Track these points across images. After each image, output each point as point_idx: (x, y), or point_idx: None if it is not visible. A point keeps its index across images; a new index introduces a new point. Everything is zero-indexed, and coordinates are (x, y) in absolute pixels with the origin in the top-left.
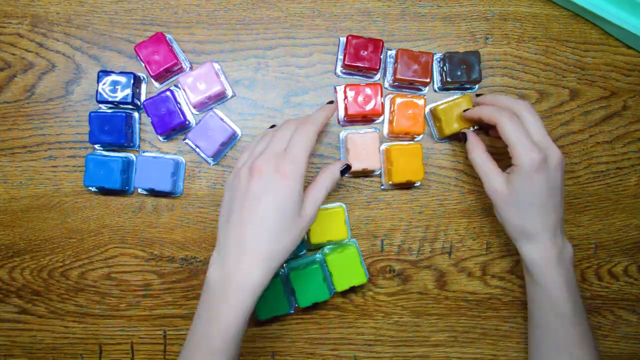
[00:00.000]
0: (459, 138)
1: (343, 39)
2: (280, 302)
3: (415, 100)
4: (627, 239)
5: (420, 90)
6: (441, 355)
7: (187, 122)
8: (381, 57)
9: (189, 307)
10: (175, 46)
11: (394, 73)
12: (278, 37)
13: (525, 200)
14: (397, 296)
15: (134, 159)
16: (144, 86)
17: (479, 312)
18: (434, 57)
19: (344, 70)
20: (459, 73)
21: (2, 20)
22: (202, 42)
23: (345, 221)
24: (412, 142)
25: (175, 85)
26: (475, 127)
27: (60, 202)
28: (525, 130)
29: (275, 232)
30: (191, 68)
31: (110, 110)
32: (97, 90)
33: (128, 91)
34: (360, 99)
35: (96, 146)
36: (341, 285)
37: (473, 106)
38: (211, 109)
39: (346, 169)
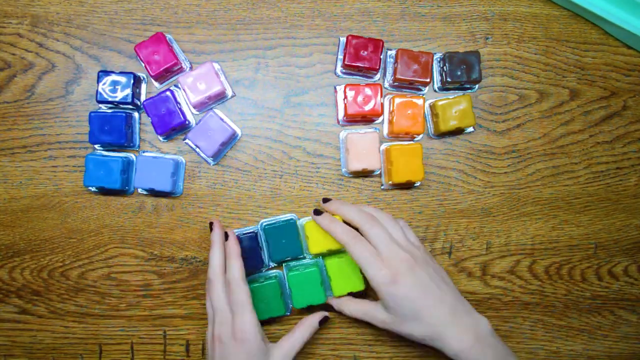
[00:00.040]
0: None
1: (343, 39)
2: (276, 304)
3: (415, 100)
4: (627, 239)
5: (420, 90)
6: (441, 355)
7: (187, 122)
8: (381, 57)
9: (189, 307)
10: (175, 46)
11: (394, 73)
12: (278, 37)
13: (407, 312)
14: None
15: (134, 159)
16: (144, 86)
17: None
18: (434, 57)
19: (344, 70)
20: (459, 73)
21: (2, 20)
22: (202, 42)
23: None
24: (412, 142)
25: (175, 85)
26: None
27: (60, 202)
28: (371, 249)
29: None
30: (191, 68)
31: (110, 110)
32: (97, 90)
33: (128, 91)
34: (360, 99)
35: (96, 146)
36: (339, 290)
37: (323, 202)
38: (211, 109)
39: (324, 320)
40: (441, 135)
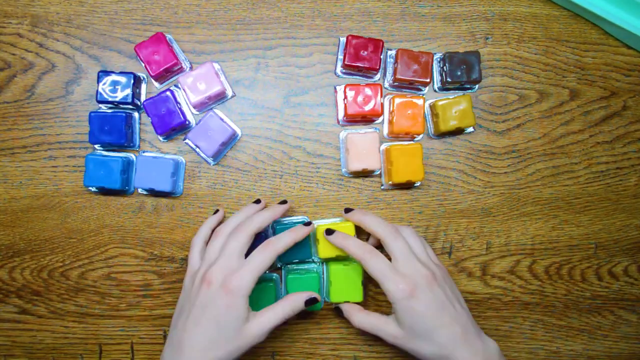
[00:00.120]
0: (338, 310)
1: (343, 39)
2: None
3: (415, 100)
4: (627, 239)
5: (420, 90)
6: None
7: (187, 122)
8: (381, 57)
9: None
10: (175, 46)
11: (394, 73)
12: (278, 37)
13: (420, 329)
14: None
15: (134, 159)
16: (144, 86)
17: (479, 312)
18: (434, 57)
19: (344, 70)
20: (459, 73)
21: (2, 20)
22: (202, 42)
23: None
24: (412, 142)
25: (175, 85)
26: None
27: (60, 202)
28: (388, 263)
29: (211, 342)
30: (191, 68)
31: (110, 110)
32: (97, 90)
33: (128, 91)
34: (360, 99)
35: (96, 146)
36: (336, 297)
37: (345, 212)
38: (211, 109)
39: (312, 301)
40: (441, 135)
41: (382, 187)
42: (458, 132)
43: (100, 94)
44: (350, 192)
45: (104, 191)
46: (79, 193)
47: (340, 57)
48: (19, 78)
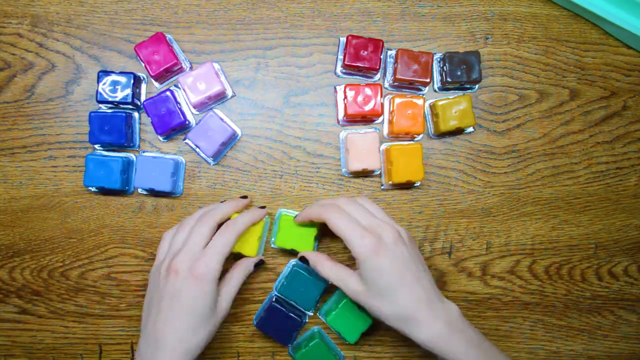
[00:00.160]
0: (303, 259)
1: (343, 39)
2: None
3: (415, 100)
4: (627, 239)
5: (420, 90)
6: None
7: (187, 122)
8: (381, 57)
9: None
10: (175, 46)
11: (394, 73)
12: (278, 37)
13: (383, 286)
14: None
15: (134, 159)
16: (144, 86)
17: (479, 312)
18: (434, 57)
19: (344, 70)
20: (459, 73)
21: (2, 20)
22: (202, 42)
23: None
24: (412, 142)
25: (175, 85)
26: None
27: (60, 202)
28: (354, 219)
29: (189, 330)
30: (191, 68)
31: (110, 110)
32: (97, 90)
33: (128, 91)
34: (360, 99)
35: (96, 146)
36: (283, 243)
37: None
38: (211, 109)
39: (260, 263)
40: (441, 135)
41: (382, 187)
42: (458, 132)
43: (100, 94)
44: (350, 192)
45: (104, 191)
46: (79, 193)
47: (340, 57)
48: (19, 78)
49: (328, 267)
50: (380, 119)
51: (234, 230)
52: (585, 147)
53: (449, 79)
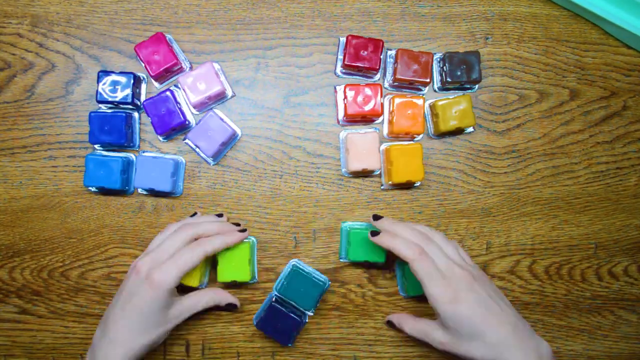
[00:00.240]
0: (390, 324)
1: (343, 39)
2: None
3: (415, 100)
4: (627, 239)
5: (420, 90)
6: (441, 356)
7: (187, 122)
8: (381, 57)
9: None
10: (175, 46)
11: (394, 73)
12: (278, 37)
13: (469, 331)
14: (397, 296)
15: (134, 159)
16: (144, 86)
17: None
18: (434, 57)
19: (344, 70)
20: (459, 73)
21: (2, 20)
22: (202, 42)
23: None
24: (412, 142)
25: (175, 85)
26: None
27: (60, 202)
28: (435, 267)
29: (138, 330)
30: (191, 68)
31: (110, 110)
32: (97, 90)
33: (128, 91)
34: (359, 99)
35: (96, 146)
36: (224, 276)
37: (374, 219)
38: (211, 109)
39: (232, 307)
40: (441, 135)
41: (382, 187)
42: (458, 132)
43: (100, 94)
44: (350, 192)
45: (104, 191)
46: (79, 193)
47: (340, 57)
48: (19, 78)
49: (412, 325)
50: (380, 119)
51: (202, 250)
52: (585, 147)
53: (449, 79)
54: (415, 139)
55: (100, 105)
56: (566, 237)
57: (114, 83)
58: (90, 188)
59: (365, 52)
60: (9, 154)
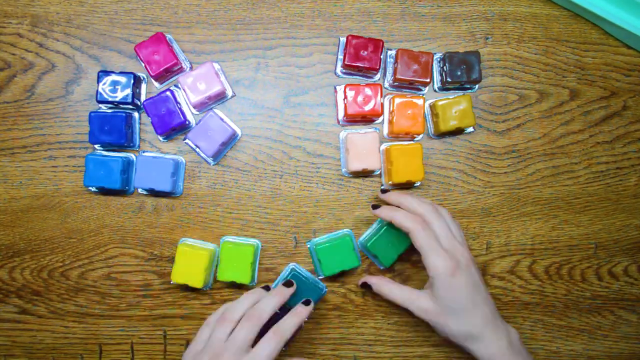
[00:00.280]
0: (365, 285)
1: (343, 39)
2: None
3: (415, 100)
4: (627, 239)
5: (420, 90)
6: (441, 356)
7: (187, 122)
8: (381, 57)
9: (189, 307)
10: (175, 46)
11: (394, 73)
12: (278, 37)
13: (455, 305)
14: None
15: (134, 159)
16: (144, 86)
17: None
18: (434, 57)
19: (344, 70)
20: (459, 73)
21: (2, 20)
22: (202, 42)
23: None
24: (412, 142)
25: (175, 85)
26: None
27: (60, 202)
28: (435, 238)
29: None
30: (191, 68)
31: (110, 110)
32: (97, 90)
33: (128, 91)
34: (360, 99)
35: (96, 146)
36: (224, 275)
37: (381, 193)
38: (211, 109)
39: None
40: (441, 135)
41: (382, 187)
42: (458, 132)
43: (100, 94)
44: (350, 192)
45: (104, 191)
46: (79, 193)
47: (340, 57)
48: (19, 78)
49: (394, 291)
50: (380, 119)
51: (282, 337)
52: (585, 147)
53: (449, 79)
54: (415, 139)
55: (100, 105)
56: (566, 237)
57: (114, 83)
58: (90, 188)
59: (365, 52)
60: (9, 154)
